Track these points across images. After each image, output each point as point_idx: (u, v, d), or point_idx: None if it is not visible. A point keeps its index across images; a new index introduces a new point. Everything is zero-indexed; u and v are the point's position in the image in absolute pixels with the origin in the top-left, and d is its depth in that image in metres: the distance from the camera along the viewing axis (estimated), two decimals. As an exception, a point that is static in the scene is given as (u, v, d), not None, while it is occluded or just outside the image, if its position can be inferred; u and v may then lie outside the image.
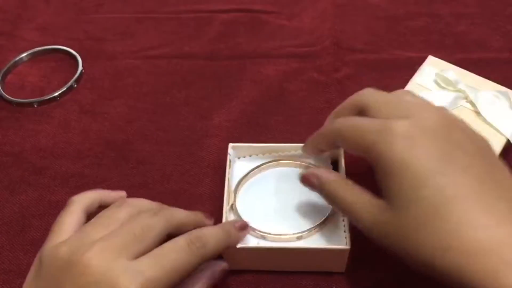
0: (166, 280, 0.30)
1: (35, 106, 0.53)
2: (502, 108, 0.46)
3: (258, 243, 0.38)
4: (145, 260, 0.30)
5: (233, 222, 0.37)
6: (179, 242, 0.32)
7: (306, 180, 0.37)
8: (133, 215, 0.33)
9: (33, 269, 0.32)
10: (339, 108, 0.37)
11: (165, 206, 0.35)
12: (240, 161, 0.43)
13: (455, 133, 0.32)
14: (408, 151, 0.30)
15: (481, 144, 0.33)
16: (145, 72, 0.56)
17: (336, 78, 0.54)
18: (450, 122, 0.33)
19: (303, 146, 0.40)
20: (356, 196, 0.34)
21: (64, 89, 0.54)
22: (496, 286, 0.27)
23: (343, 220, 0.38)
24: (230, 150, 0.42)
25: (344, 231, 0.38)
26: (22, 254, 0.42)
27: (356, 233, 0.38)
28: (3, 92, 0.54)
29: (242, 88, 0.54)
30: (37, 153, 0.49)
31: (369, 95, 0.35)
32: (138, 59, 0.57)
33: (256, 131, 0.50)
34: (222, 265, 0.35)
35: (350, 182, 0.35)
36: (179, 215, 0.34)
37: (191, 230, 0.33)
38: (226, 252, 0.37)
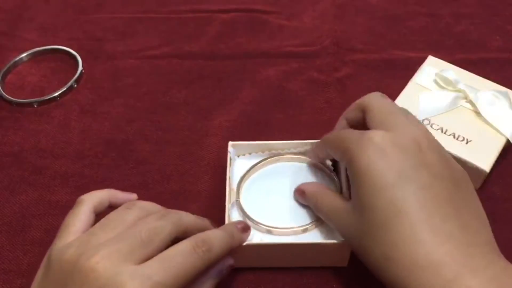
0: (173, 284, 0.30)
1: (35, 106, 0.53)
2: (502, 108, 0.46)
3: (261, 240, 0.38)
4: (152, 265, 0.30)
5: (235, 223, 0.37)
6: (185, 246, 0.32)
7: (297, 194, 0.41)
8: (141, 217, 0.33)
9: (41, 269, 0.32)
10: (347, 109, 0.39)
11: (173, 210, 0.35)
12: (240, 159, 0.43)
13: (427, 154, 0.33)
14: (374, 160, 0.32)
15: (456, 171, 0.34)
16: (145, 72, 0.56)
17: (336, 78, 0.54)
18: (427, 144, 0.33)
19: (307, 153, 0.43)
20: (331, 203, 0.37)
21: (64, 89, 0.54)
22: None
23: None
24: (230, 148, 0.42)
25: None
26: (22, 254, 0.42)
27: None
28: (3, 92, 0.54)
29: (242, 88, 0.54)
30: (37, 153, 0.49)
31: (372, 99, 0.37)
32: (138, 59, 0.57)
33: (256, 130, 0.50)
34: (229, 261, 0.36)
35: (327, 192, 0.38)
36: (187, 219, 0.34)
37: (196, 233, 0.33)
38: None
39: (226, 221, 0.38)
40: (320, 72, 0.55)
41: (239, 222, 0.38)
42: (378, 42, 0.57)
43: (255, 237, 0.38)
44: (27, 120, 0.52)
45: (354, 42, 0.57)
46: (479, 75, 0.49)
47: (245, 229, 0.37)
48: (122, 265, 0.29)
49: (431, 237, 0.30)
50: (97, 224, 0.33)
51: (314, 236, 0.38)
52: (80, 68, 0.55)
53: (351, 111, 0.38)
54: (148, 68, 0.56)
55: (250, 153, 0.43)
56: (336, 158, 0.37)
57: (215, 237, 0.33)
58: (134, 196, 0.37)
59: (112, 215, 0.33)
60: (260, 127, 0.50)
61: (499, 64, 0.54)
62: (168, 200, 0.44)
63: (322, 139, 0.39)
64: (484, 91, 0.47)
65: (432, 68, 0.49)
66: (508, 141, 0.44)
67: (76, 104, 0.53)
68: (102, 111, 0.52)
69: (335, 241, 0.37)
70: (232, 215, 0.39)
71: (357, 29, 0.59)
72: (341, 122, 0.39)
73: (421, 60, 0.51)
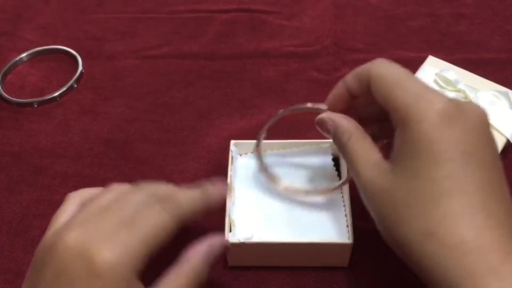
0: (144, 244, 0.30)
1: (35, 106, 0.53)
2: (502, 108, 0.46)
3: (261, 238, 0.38)
4: (120, 229, 0.30)
5: (211, 183, 0.36)
6: (151, 206, 0.31)
7: (321, 124, 0.36)
8: (120, 198, 0.33)
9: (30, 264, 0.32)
10: (347, 76, 0.35)
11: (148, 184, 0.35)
12: (241, 158, 0.43)
13: (491, 131, 0.30)
14: (440, 129, 0.29)
15: (496, 151, 0.31)
16: (145, 72, 0.56)
17: (336, 77, 0.54)
18: (488, 121, 0.31)
19: (329, 97, 0.37)
20: (366, 152, 0.32)
21: (64, 89, 0.54)
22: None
23: (346, 216, 0.38)
24: (232, 147, 0.42)
25: (347, 226, 0.38)
26: (22, 254, 0.42)
27: (359, 228, 0.38)
28: (3, 92, 0.54)
29: (242, 87, 0.54)
30: (37, 153, 0.49)
31: (378, 67, 0.33)
32: (138, 59, 0.57)
33: (256, 131, 0.49)
34: (222, 239, 0.34)
35: (362, 135, 0.34)
36: (160, 189, 0.34)
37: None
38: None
39: (226, 221, 0.38)
40: (320, 72, 0.55)
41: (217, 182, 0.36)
42: (378, 42, 0.57)
43: (255, 237, 0.38)
44: (27, 120, 0.52)
45: (354, 42, 0.57)
46: (479, 75, 0.49)
47: (223, 189, 0.36)
48: (92, 237, 0.29)
49: (484, 220, 0.28)
50: (79, 210, 0.33)
51: (315, 236, 0.38)
52: (80, 68, 0.55)
53: (351, 80, 0.35)
54: (148, 68, 0.56)
55: (252, 152, 0.44)
56: (376, 98, 0.32)
57: (184, 194, 0.33)
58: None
59: (95, 199, 0.33)
60: (260, 127, 0.50)
61: (499, 64, 0.54)
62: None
63: (355, 71, 0.35)
64: (484, 91, 0.47)
65: (432, 68, 0.49)
66: (508, 141, 0.44)
67: (76, 104, 0.53)
68: (102, 111, 0.52)
69: (335, 241, 0.37)
70: (232, 214, 0.39)
71: (357, 29, 0.59)
72: (340, 90, 0.36)
73: (421, 60, 0.51)
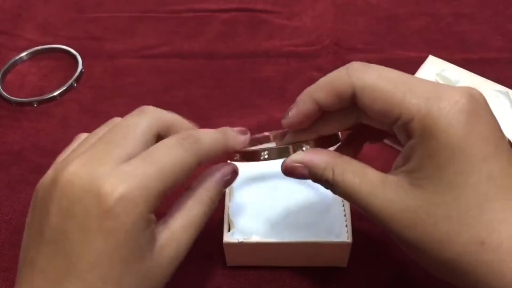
0: (160, 178, 0.27)
1: (35, 105, 0.53)
2: (502, 108, 0.45)
3: (261, 238, 0.38)
4: (132, 162, 0.27)
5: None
6: (169, 139, 0.29)
7: (292, 172, 0.31)
8: (126, 126, 0.30)
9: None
10: (315, 88, 0.30)
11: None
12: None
13: (490, 109, 0.28)
14: (470, 128, 0.26)
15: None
16: (145, 71, 0.56)
17: (336, 77, 0.54)
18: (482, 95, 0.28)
19: (287, 111, 0.31)
20: (362, 178, 0.28)
21: (64, 88, 0.54)
22: None
23: (345, 215, 0.38)
24: None
25: (346, 226, 0.38)
26: (22, 253, 0.42)
27: (359, 228, 0.38)
28: (2, 91, 0.54)
29: (242, 87, 0.54)
30: (37, 152, 0.49)
31: (368, 74, 0.28)
32: (138, 58, 0.57)
33: (256, 130, 0.49)
34: (232, 165, 0.32)
35: (346, 160, 0.30)
36: (169, 115, 0.31)
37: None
38: (227, 248, 0.37)
39: (225, 221, 0.38)
40: (321, 72, 0.55)
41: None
42: (379, 41, 0.57)
43: (254, 237, 0.38)
44: (27, 119, 0.52)
45: (354, 42, 0.57)
46: (480, 75, 0.49)
47: (243, 132, 0.33)
48: (98, 168, 0.26)
49: None
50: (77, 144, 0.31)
51: (314, 236, 0.38)
52: (80, 67, 0.55)
53: (323, 96, 0.29)
54: (148, 67, 0.56)
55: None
56: (371, 114, 0.28)
57: (203, 132, 0.30)
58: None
59: (92, 133, 0.31)
60: (261, 126, 0.50)
61: (500, 64, 0.54)
62: (168, 200, 0.44)
63: (324, 79, 0.30)
64: (484, 91, 0.47)
65: (433, 68, 0.49)
66: (508, 141, 0.44)
67: (76, 103, 0.53)
68: (102, 110, 0.52)
69: (334, 241, 0.37)
70: (232, 213, 0.39)
71: (357, 28, 0.59)
72: (307, 107, 0.30)
73: (422, 60, 0.51)
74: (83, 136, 0.32)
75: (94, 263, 0.26)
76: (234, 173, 0.33)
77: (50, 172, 0.29)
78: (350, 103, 0.29)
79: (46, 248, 0.26)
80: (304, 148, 0.31)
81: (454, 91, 0.27)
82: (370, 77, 0.28)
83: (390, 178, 0.28)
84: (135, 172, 0.26)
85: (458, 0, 0.61)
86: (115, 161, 0.27)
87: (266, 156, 0.32)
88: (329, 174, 0.29)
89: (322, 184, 0.31)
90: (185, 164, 0.28)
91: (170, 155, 0.28)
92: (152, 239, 0.28)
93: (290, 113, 0.31)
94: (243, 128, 0.34)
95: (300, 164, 0.31)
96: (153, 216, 0.28)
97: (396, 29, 0.59)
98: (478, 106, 0.27)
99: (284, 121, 0.31)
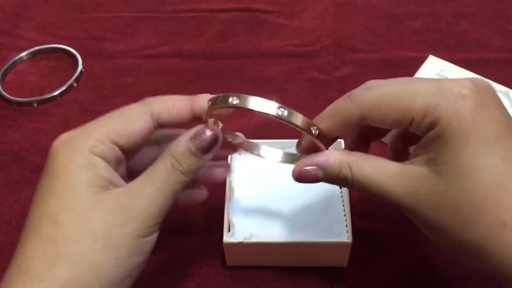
0: (104, 124, 0.32)
1: (35, 105, 0.53)
2: (502, 108, 0.45)
3: (261, 237, 0.38)
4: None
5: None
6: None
7: (305, 176, 0.31)
8: None
9: None
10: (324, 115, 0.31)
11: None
12: (241, 158, 0.43)
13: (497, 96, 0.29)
14: (476, 111, 0.27)
15: None
16: (145, 72, 0.56)
17: (337, 77, 0.54)
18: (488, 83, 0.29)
19: (298, 142, 0.33)
20: (380, 169, 0.29)
21: (64, 88, 0.53)
22: None
23: (345, 215, 0.38)
24: None
25: (346, 226, 0.38)
26: (22, 253, 0.42)
27: (359, 228, 0.38)
28: (2, 91, 0.54)
29: (242, 87, 0.53)
30: (37, 152, 0.49)
31: (365, 97, 0.30)
32: (138, 58, 0.57)
33: (256, 130, 0.50)
34: (204, 127, 0.31)
35: (360, 156, 0.30)
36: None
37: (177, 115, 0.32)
38: (227, 248, 0.37)
39: (225, 221, 0.38)
40: (321, 72, 0.55)
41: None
42: (379, 41, 0.57)
43: (254, 237, 0.38)
44: (27, 119, 0.52)
45: (354, 42, 0.57)
46: (480, 75, 0.49)
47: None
48: (72, 133, 0.31)
49: None
50: None
51: (314, 236, 0.38)
52: (80, 67, 0.55)
53: (333, 125, 0.31)
54: (148, 67, 0.56)
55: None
56: (384, 125, 0.29)
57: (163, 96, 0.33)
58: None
59: None
60: (260, 127, 0.50)
61: (500, 64, 0.54)
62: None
63: (329, 112, 0.31)
64: (485, 90, 0.47)
65: (433, 68, 0.49)
66: None
67: (76, 103, 0.53)
68: (102, 110, 0.51)
69: (335, 240, 0.37)
70: (232, 212, 0.39)
71: (357, 28, 0.59)
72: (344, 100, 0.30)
73: (422, 60, 0.51)
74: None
75: (37, 201, 0.29)
76: (211, 136, 0.31)
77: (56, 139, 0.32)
78: (359, 126, 0.30)
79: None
80: (312, 129, 0.30)
81: (457, 81, 0.28)
82: (372, 98, 0.29)
83: (410, 167, 0.29)
84: (83, 126, 0.31)
85: (458, 0, 0.61)
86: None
87: (237, 102, 0.30)
88: (346, 172, 0.30)
89: (338, 184, 0.31)
90: (132, 111, 0.32)
91: (121, 109, 0.32)
92: (95, 181, 0.29)
93: (302, 142, 0.32)
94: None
95: (314, 167, 0.31)
96: (98, 160, 0.29)
97: (396, 28, 0.59)
98: (483, 91, 0.28)
99: (298, 149, 0.33)
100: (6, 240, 0.43)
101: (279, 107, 0.29)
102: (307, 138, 0.31)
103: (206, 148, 0.31)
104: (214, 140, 0.31)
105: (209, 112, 0.31)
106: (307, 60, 0.56)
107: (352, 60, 0.55)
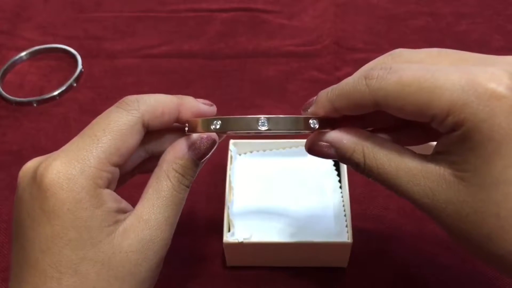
0: (99, 146, 0.26)
1: (35, 105, 0.53)
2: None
3: (261, 238, 0.38)
4: (72, 140, 0.27)
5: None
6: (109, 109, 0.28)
7: (315, 150, 0.29)
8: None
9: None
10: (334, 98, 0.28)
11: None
12: (241, 158, 0.43)
13: None
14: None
15: None
16: (145, 71, 0.56)
17: (337, 77, 0.54)
18: None
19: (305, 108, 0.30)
20: (405, 168, 0.26)
21: (63, 88, 0.53)
22: None
23: (345, 215, 0.38)
24: (231, 147, 0.42)
25: (346, 226, 0.38)
26: (21, 253, 0.42)
27: (358, 227, 0.38)
28: (2, 91, 0.54)
29: (242, 87, 0.53)
30: (37, 152, 0.48)
31: (382, 82, 0.26)
32: (138, 58, 0.57)
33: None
34: (211, 136, 0.29)
35: (379, 140, 0.27)
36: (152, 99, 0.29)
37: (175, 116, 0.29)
38: (227, 248, 0.37)
39: (225, 221, 0.38)
40: (321, 72, 0.55)
41: None
42: (379, 41, 0.57)
43: (254, 237, 0.38)
44: (27, 119, 0.52)
45: (354, 42, 0.57)
46: (480, 75, 0.49)
47: (207, 103, 0.32)
48: (46, 158, 0.27)
49: None
50: None
51: (314, 236, 0.38)
52: (80, 67, 0.55)
53: (344, 104, 0.27)
54: (148, 67, 0.56)
55: (251, 152, 0.43)
56: (401, 115, 0.26)
57: (151, 94, 0.29)
58: None
59: None
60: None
61: (500, 64, 0.54)
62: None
63: (341, 87, 0.28)
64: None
65: (433, 68, 0.49)
66: None
67: (76, 103, 0.53)
68: (102, 110, 0.51)
69: (335, 241, 0.37)
70: (231, 212, 0.39)
71: (357, 28, 0.59)
72: (325, 110, 0.28)
73: (422, 60, 0.51)
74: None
75: (43, 249, 0.25)
76: (209, 140, 0.29)
77: (29, 164, 0.29)
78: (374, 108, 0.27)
79: (14, 244, 0.28)
80: (310, 121, 0.28)
81: (491, 73, 0.24)
82: (390, 85, 0.25)
83: (431, 167, 0.26)
84: (70, 147, 0.26)
85: (458, 0, 0.61)
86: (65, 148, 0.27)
87: (218, 127, 0.28)
88: (359, 157, 0.27)
89: (350, 165, 0.28)
90: (124, 124, 0.27)
91: (106, 120, 0.27)
92: (108, 220, 0.26)
93: (309, 110, 0.30)
94: (207, 101, 0.32)
95: (326, 143, 0.28)
96: (105, 193, 0.26)
97: (397, 28, 0.59)
98: None
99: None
100: (6, 240, 0.43)
101: (262, 122, 0.27)
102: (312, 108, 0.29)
103: (205, 154, 0.30)
104: (212, 144, 0.30)
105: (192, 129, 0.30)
106: (307, 60, 0.56)
107: (352, 60, 0.55)
